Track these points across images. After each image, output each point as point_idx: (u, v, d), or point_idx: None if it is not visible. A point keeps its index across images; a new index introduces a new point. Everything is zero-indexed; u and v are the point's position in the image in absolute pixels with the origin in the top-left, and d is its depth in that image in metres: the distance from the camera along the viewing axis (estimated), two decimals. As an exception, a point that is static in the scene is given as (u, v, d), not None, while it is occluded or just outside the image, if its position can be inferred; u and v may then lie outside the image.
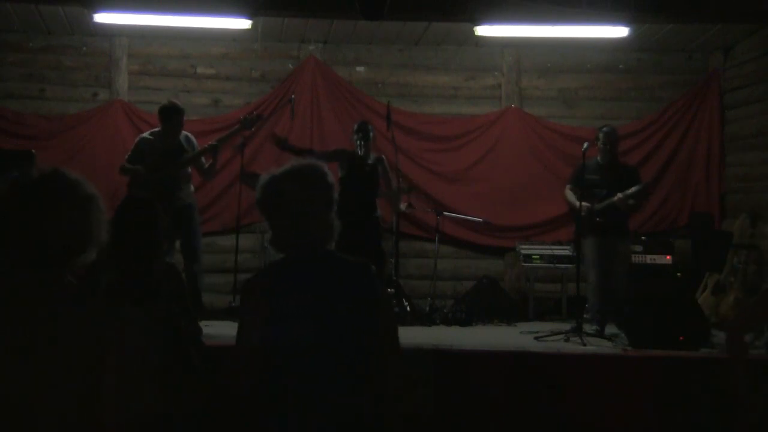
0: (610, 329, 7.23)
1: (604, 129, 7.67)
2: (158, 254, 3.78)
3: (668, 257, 8.24)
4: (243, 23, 7.95)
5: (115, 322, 2.30)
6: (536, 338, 7.04)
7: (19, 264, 2.25)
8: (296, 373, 2.61)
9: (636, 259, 8.11)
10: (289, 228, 2.79)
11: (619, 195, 7.31)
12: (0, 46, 9.10)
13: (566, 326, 7.27)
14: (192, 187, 7.81)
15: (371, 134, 8.04)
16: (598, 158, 7.60)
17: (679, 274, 8.33)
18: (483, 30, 8.11)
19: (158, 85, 9.22)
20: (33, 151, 8.15)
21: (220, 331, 7.09)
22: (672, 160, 9.41)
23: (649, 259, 8.18)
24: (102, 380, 2.22)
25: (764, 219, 8.40)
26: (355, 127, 8.07)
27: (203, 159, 7.74)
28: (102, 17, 7.84)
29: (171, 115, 7.62)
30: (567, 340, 6.87)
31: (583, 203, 7.41)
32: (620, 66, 9.64)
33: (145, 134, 7.78)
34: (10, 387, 2.17)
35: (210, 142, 7.73)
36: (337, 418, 2.62)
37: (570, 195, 7.77)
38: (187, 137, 7.76)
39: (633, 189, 7.37)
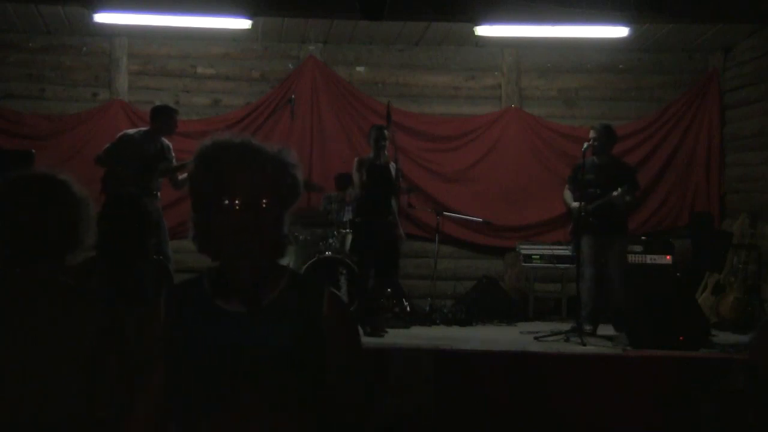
0: (606, 330, 7.23)
1: (596, 125, 7.65)
2: (146, 253, 3.76)
3: (668, 257, 8.24)
4: (243, 23, 7.96)
5: (106, 321, 2.33)
6: (536, 338, 7.04)
7: (7, 261, 2.30)
8: None
9: (636, 259, 8.11)
10: None
11: (614, 193, 7.29)
12: (0, 46, 9.11)
13: (566, 326, 7.27)
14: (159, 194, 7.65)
15: (385, 142, 7.90)
16: (594, 158, 7.57)
17: (679, 274, 8.33)
18: (483, 30, 8.12)
19: (158, 85, 9.22)
20: (33, 151, 8.15)
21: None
22: (672, 160, 9.41)
23: (649, 259, 8.18)
24: (99, 379, 2.25)
25: (764, 219, 8.40)
26: (375, 134, 7.86)
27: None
28: (102, 17, 7.85)
29: (164, 116, 7.53)
30: (567, 340, 6.87)
31: (577, 204, 7.40)
32: (620, 66, 9.64)
33: (130, 132, 7.68)
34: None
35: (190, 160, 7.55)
36: None
37: (567, 195, 7.73)
38: (164, 142, 7.62)
39: (626, 187, 7.35)
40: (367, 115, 9.15)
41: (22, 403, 2.19)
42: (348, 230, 8.18)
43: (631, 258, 8.08)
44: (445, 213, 8.74)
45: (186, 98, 9.28)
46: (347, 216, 8.45)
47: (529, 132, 9.45)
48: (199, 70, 9.37)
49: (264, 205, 1.98)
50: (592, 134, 7.50)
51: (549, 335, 7.04)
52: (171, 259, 7.41)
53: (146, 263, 3.75)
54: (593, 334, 7.07)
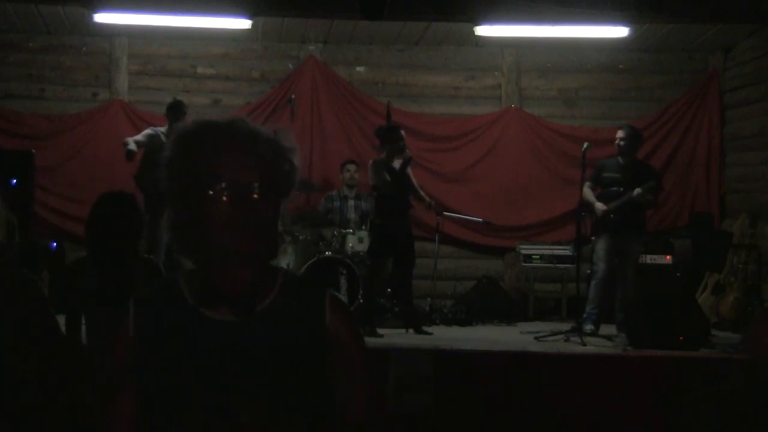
0: (607, 330, 7.23)
1: (623, 126, 7.62)
2: (137, 253, 3.75)
3: (668, 257, 8.23)
4: (243, 23, 7.96)
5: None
6: (536, 338, 7.03)
7: None
8: None
9: (636, 259, 8.10)
10: None
11: (638, 190, 7.26)
12: (0, 46, 9.11)
13: (566, 326, 7.27)
14: None
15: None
16: (619, 158, 7.54)
17: (679, 274, 8.33)
18: (483, 30, 8.12)
19: (158, 85, 9.23)
20: (33, 151, 8.16)
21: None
22: (672, 160, 9.41)
23: (649, 259, 8.16)
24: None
25: (764, 219, 8.40)
26: (396, 135, 7.53)
27: None
28: (102, 17, 7.85)
29: (174, 110, 7.69)
30: (567, 340, 6.86)
31: (600, 203, 7.37)
32: (620, 66, 9.64)
33: (159, 130, 7.75)
34: None
35: None
36: None
37: (588, 193, 7.63)
38: None
39: (647, 185, 7.31)
40: (367, 115, 9.15)
41: None
42: (349, 230, 8.18)
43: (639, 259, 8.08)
44: (445, 213, 8.73)
45: (186, 98, 9.22)
46: (351, 213, 8.45)
47: (529, 132, 9.45)
48: (199, 70, 9.37)
49: (257, 196, 1.68)
50: (619, 134, 7.49)
51: (549, 335, 7.03)
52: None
53: (141, 262, 3.75)
54: (594, 334, 7.06)
